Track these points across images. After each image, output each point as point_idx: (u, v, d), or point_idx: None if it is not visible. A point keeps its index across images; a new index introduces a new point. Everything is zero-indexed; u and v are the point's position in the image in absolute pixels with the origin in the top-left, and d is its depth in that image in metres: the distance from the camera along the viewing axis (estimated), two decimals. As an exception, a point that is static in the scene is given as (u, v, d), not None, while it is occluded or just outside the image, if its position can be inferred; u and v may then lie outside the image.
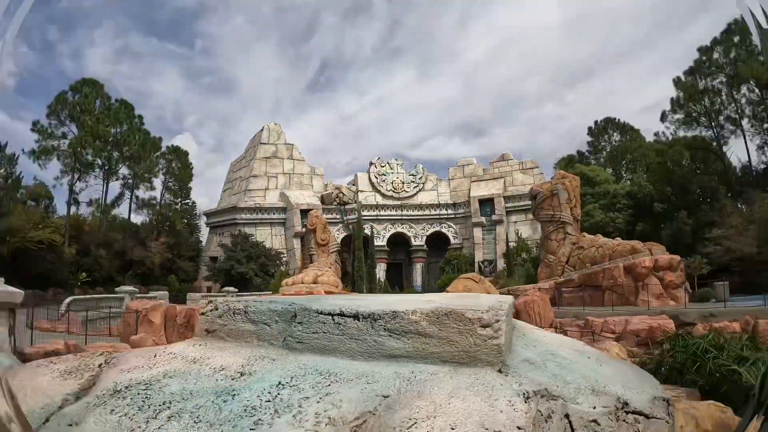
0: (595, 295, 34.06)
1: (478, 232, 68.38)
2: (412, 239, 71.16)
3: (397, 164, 74.35)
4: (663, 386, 8.87)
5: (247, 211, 67.40)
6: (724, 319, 25.46)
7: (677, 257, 34.12)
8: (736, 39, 55.91)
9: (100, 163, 63.03)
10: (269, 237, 66.24)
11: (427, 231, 71.82)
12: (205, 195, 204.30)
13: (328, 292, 29.92)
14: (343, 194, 71.47)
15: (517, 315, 27.51)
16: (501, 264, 60.26)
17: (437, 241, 72.16)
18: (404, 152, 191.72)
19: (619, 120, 78.77)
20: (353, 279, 54.38)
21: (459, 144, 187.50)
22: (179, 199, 75.38)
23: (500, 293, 40.37)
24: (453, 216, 71.97)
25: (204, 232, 77.79)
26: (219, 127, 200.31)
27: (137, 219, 71.77)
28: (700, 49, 58.34)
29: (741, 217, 43.61)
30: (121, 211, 70.75)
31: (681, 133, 60.29)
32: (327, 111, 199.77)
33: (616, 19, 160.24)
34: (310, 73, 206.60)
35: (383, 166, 73.49)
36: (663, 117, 61.19)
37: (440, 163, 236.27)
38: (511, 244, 60.68)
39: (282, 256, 62.89)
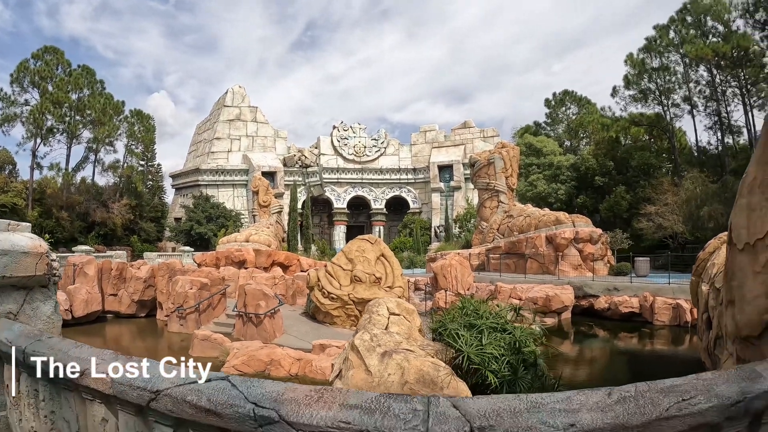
0: (519, 262, 35.66)
1: (436, 198, 70.19)
2: (372, 202, 72.98)
3: (360, 128, 75.65)
4: (428, 343, 10.62)
5: (209, 173, 68.66)
6: (625, 294, 27.47)
7: (599, 230, 35.60)
8: (689, 18, 56.77)
9: (61, 128, 63.78)
10: (231, 198, 67.71)
11: (387, 195, 73.57)
12: (181, 156, 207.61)
13: (256, 251, 31.63)
14: (306, 157, 72.79)
15: (435, 278, 29.30)
16: (456, 229, 61.91)
17: (397, 205, 74.09)
18: (388, 115, 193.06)
19: (576, 93, 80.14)
20: (288, 239, 55.99)
21: (443, 108, 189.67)
22: (144, 162, 76.12)
23: (430, 258, 42.40)
24: (413, 181, 73.62)
25: (170, 194, 79.17)
26: (200, 86, 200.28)
27: (102, 181, 72.72)
28: (655, 27, 59.09)
29: (675, 196, 44.96)
30: (87, 173, 71.59)
31: (631, 109, 61.40)
32: (312, 71, 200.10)
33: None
34: (295, 33, 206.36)
35: (346, 130, 74.83)
36: (614, 92, 62.30)
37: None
38: (463, 211, 62.29)
39: (242, 217, 64.24)
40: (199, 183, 68.31)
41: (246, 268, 30.23)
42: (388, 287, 20.51)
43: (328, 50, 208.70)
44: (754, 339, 5.93)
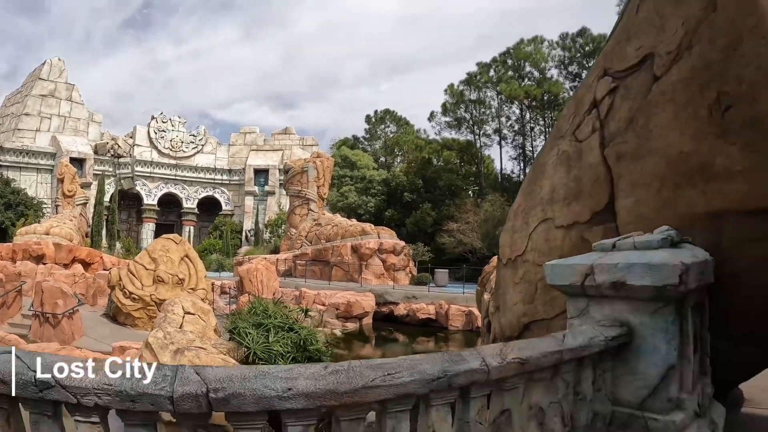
0: (325, 269, 37.34)
1: (250, 201, 70.22)
2: (184, 201, 71.59)
3: (180, 122, 73.71)
4: (222, 342, 11.42)
5: (12, 153, 63.08)
6: (423, 302, 29.73)
7: (401, 243, 38.28)
8: (510, 61, 61.76)
9: None
10: (34, 184, 62.88)
11: (200, 194, 72.49)
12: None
13: (56, 245, 30.63)
14: (119, 146, 69.72)
15: (241, 281, 29.89)
16: (267, 234, 62.34)
17: (210, 206, 73.10)
18: (211, 111, 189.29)
19: (396, 113, 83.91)
20: (92, 234, 54.23)
21: (268, 112, 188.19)
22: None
23: (237, 261, 42.92)
24: (228, 182, 73.14)
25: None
26: (17, 51, 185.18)
27: None
28: (478, 64, 63.68)
29: (476, 216, 48.50)
30: None
31: (445, 134, 65.62)
32: (140, 54, 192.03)
33: (449, 24, 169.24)
34: (130, 9, 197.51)
35: (165, 122, 72.45)
36: (431, 117, 66.38)
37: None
38: (275, 216, 62.97)
39: (45, 206, 60.28)
40: (0, 164, 63.13)
41: (45, 264, 29.16)
42: (191, 289, 20.96)
43: (159, 34, 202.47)
44: (514, 339, 7.21)
